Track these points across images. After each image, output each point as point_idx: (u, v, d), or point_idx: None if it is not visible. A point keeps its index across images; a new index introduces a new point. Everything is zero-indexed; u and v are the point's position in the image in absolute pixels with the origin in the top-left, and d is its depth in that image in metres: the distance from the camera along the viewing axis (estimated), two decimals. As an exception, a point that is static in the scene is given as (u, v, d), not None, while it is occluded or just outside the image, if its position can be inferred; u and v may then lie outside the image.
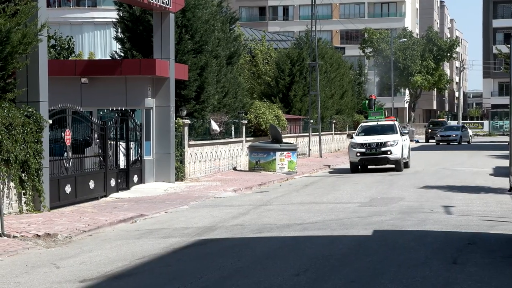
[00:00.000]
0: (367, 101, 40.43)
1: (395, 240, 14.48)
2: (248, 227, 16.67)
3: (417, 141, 75.83)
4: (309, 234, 15.50)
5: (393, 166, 33.94)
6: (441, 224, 16.40)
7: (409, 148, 36.41)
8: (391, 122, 36.55)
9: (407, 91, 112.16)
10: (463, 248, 13.35)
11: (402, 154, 33.76)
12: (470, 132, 74.99)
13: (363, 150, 33.56)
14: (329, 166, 38.98)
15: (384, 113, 41.07)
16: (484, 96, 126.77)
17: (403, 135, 35.06)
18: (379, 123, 36.85)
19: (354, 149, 33.86)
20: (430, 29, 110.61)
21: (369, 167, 34.66)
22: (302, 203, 21.56)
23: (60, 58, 36.23)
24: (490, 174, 31.09)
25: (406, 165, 35.13)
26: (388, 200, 21.73)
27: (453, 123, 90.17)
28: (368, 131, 35.39)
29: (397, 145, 33.52)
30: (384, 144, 33.45)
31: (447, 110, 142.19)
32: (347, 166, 36.16)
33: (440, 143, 68.39)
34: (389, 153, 33.33)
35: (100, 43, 55.01)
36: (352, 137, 35.22)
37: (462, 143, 67.79)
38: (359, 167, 34.29)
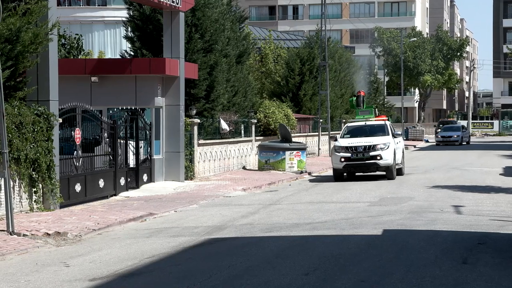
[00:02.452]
0: (354, 98, 35.81)
1: (405, 239, 14.45)
2: (257, 226, 16.66)
3: (427, 141, 75.80)
4: (318, 233, 15.48)
5: (383, 173, 29.32)
6: (451, 224, 16.36)
7: (403, 152, 31.62)
8: (382, 122, 31.52)
9: (417, 91, 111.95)
10: (473, 248, 13.32)
11: (394, 159, 28.93)
12: (469, 132, 74.24)
13: (349, 154, 28.65)
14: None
15: (375, 112, 35.66)
16: (494, 96, 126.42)
17: (395, 137, 30.13)
18: (368, 123, 31.64)
19: (338, 154, 28.85)
20: (440, 29, 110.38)
21: (356, 174, 30.05)
22: (311, 203, 21.54)
23: (69, 56, 36.27)
24: (500, 174, 30.97)
25: (400, 172, 30.36)
26: (398, 200, 21.69)
27: (463, 122, 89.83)
28: (354, 132, 30.36)
29: (388, 148, 28.71)
30: (373, 147, 28.64)
31: (457, 109, 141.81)
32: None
33: (440, 144, 65.81)
34: (378, 158, 28.48)
35: (110, 42, 55.04)
36: (336, 140, 30.21)
37: (462, 143, 66.46)
38: (345, 174, 29.52)
